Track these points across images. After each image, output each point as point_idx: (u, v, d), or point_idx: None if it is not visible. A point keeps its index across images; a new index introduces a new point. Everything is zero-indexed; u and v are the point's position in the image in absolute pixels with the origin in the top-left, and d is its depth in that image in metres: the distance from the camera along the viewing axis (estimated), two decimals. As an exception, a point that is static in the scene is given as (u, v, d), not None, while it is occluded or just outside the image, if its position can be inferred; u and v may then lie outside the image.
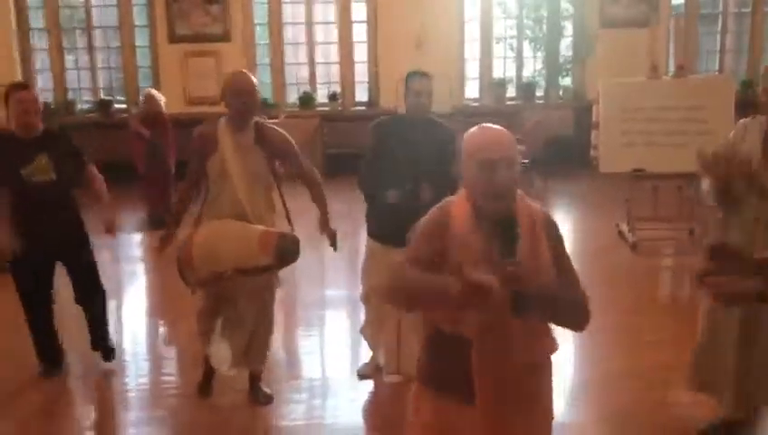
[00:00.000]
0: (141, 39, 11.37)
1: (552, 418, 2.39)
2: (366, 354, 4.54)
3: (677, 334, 4.74)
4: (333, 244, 4.09)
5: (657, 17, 10.76)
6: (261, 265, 3.70)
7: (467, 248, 2.13)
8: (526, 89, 11.54)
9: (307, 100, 11.42)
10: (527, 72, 11.73)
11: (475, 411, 2.16)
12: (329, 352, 5.12)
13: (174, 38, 11.03)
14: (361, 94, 11.61)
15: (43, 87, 11.19)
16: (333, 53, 11.63)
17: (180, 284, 4.00)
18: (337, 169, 9.55)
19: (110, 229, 4.47)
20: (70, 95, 11.50)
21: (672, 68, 8.67)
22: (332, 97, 11.43)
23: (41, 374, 4.50)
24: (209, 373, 4.19)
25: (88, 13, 11.38)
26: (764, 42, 11.45)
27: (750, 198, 3.12)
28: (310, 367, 4.86)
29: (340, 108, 11.37)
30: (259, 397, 4.14)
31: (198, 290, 4.00)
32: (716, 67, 11.70)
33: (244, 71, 3.94)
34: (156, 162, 8.12)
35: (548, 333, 2.30)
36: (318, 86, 11.62)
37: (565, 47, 11.51)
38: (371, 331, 4.36)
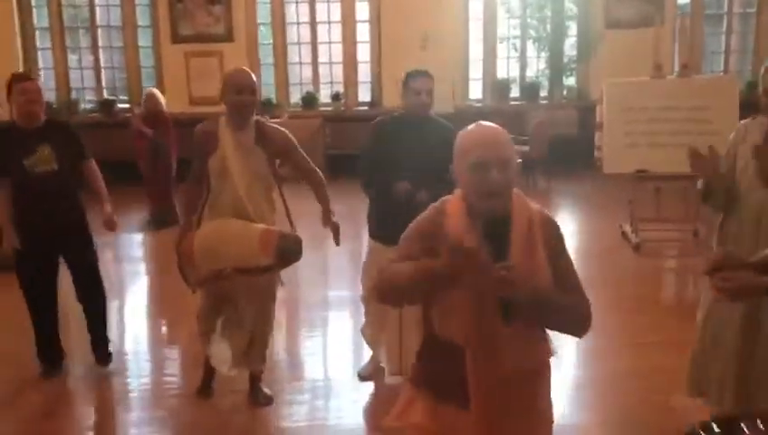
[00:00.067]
0: (144, 39, 11.39)
1: (552, 422, 2.35)
2: (368, 355, 4.53)
3: (681, 336, 4.70)
4: (336, 237, 4.07)
5: (661, 17, 10.73)
6: (262, 264, 3.69)
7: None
8: (530, 89, 11.53)
9: (310, 100, 11.42)
10: (531, 73, 11.71)
11: (469, 416, 2.13)
12: (331, 354, 5.11)
13: (177, 38, 11.05)
14: (364, 94, 11.61)
15: (47, 86, 11.19)
16: (337, 52, 11.62)
17: (182, 284, 3.99)
18: (339, 170, 9.53)
19: (109, 224, 4.42)
20: (73, 95, 11.53)
21: (677, 68, 8.63)
22: (335, 97, 11.42)
23: (41, 375, 4.50)
24: (209, 374, 4.18)
25: (91, 12, 11.41)
26: (769, 42, 11.42)
27: (748, 199, 3.10)
28: (312, 368, 4.85)
29: (343, 108, 11.36)
30: (259, 398, 4.13)
31: (198, 289, 3.99)
32: (721, 68, 11.67)
33: (243, 68, 3.92)
34: (158, 162, 8.13)
35: (544, 338, 2.24)
36: (321, 86, 11.62)
37: (569, 47, 11.49)
38: (371, 331, 4.34)
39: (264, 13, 11.40)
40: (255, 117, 3.89)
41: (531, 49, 11.55)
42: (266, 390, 4.19)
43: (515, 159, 2.15)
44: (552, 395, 2.36)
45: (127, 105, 11.23)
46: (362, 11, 11.36)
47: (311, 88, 11.58)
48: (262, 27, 11.50)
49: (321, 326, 5.54)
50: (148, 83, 11.06)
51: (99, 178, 4.46)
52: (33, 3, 11.24)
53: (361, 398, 4.27)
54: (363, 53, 11.49)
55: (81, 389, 4.52)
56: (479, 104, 11.53)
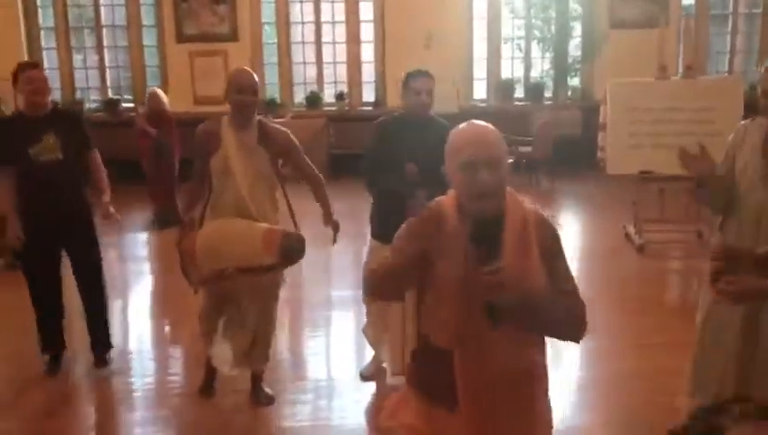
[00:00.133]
0: (149, 38, 11.41)
1: (551, 425, 2.31)
2: (370, 355, 4.53)
3: (685, 337, 4.68)
4: (335, 236, 4.09)
5: (666, 18, 10.70)
6: (265, 264, 3.69)
7: (451, 250, 2.06)
8: (534, 89, 11.51)
9: (314, 99, 11.42)
10: (535, 73, 11.70)
11: (458, 419, 2.11)
12: (334, 353, 5.10)
13: (182, 38, 11.06)
14: (368, 94, 11.60)
15: (52, 86, 11.21)
16: (341, 52, 11.62)
17: (185, 283, 4.00)
18: (342, 170, 9.54)
19: (106, 215, 4.39)
20: (78, 94, 11.55)
21: (682, 69, 8.61)
22: (339, 97, 11.43)
23: (45, 372, 4.51)
24: (211, 374, 4.18)
25: (96, 12, 11.43)
26: (775, 43, 11.39)
27: (747, 199, 3.10)
28: (315, 368, 4.84)
29: (346, 108, 11.37)
30: (261, 397, 4.13)
31: (201, 289, 4.00)
32: (726, 68, 11.65)
33: (245, 68, 3.94)
34: (161, 161, 8.15)
35: (536, 340, 2.19)
36: (325, 86, 11.63)
37: (574, 47, 11.48)
38: (373, 331, 4.34)
39: (268, 12, 11.42)
40: (258, 117, 3.90)
41: (535, 49, 11.54)
42: (268, 389, 4.19)
43: (507, 159, 2.10)
44: (553, 397, 2.33)
45: (131, 104, 11.26)
46: (366, 10, 11.36)
47: (315, 87, 11.59)
48: (266, 27, 11.51)
49: (324, 326, 5.54)
50: (152, 83, 11.08)
51: (101, 170, 4.47)
52: (38, 3, 11.26)
53: (365, 398, 4.27)
54: (367, 52, 11.49)
55: (84, 388, 4.53)
56: (483, 104, 11.52)
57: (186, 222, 4.04)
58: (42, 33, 11.40)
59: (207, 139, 3.83)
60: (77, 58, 11.75)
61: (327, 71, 11.65)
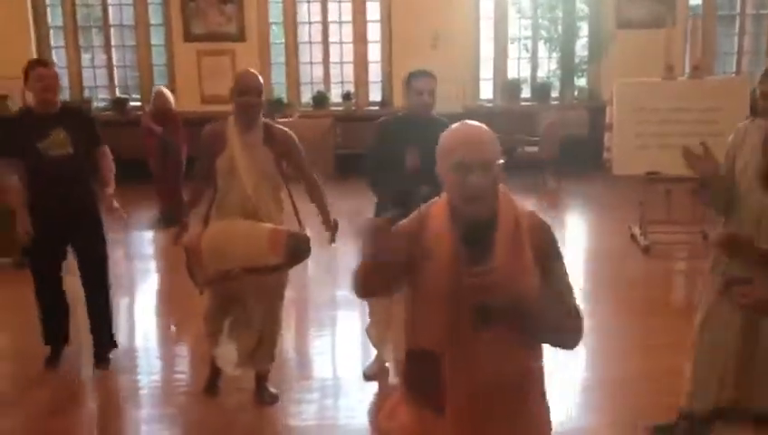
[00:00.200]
0: (157, 38, 11.43)
1: (550, 429, 2.26)
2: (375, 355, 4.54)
3: (691, 338, 4.71)
4: (333, 236, 4.09)
5: (673, 18, 10.68)
6: (271, 263, 3.71)
7: (440, 252, 2.04)
8: (541, 89, 11.50)
9: (321, 99, 11.44)
10: (542, 73, 11.69)
11: (447, 423, 2.07)
12: (340, 353, 5.12)
13: (189, 37, 11.09)
14: (375, 94, 11.61)
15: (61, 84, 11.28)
16: (348, 52, 11.63)
17: (191, 281, 4.01)
18: (349, 170, 9.55)
19: (109, 209, 4.41)
20: (86, 93, 11.59)
21: (689, 69, 8.59)
22: (346, 97, 11.44)
23: (45, 364, 4.53)
24: (216, 373, 4.20)
25: (104, 11, 11.46)
26: (783, 44, 11.36)
27: (747, 200, 3.11)
28: (321, 367, 4.86)
29: (353, 108, 11.38)
30: (265, 397, 4.15)
31: (206, 290, 4.01)
32: (734, 69, 11.61)
33: (251, 70, 3.95)
34: (167, 159, 8.17)
35: (529, 346, 2.12)
36: (332, 85, 11.64)
37: (580, 47, 11.46)
38: (377, 331, 4.35)
39: (275, 12, 11.43)
40: (263, 118, 3.92)
41: (542, 49, 11.52)
42: (272, 389, 4.20)
43: (499, 160, 2.05)
44: (559, 398, 2.32)
45: (139, 103, 11.29)
46: (373, 10, 11.36)
47: (321, 87, 11.60)
48: (273, 27, 11.52)
49: (329, 325, 5.55)
50: (160, 82, 11.10)
51: (109, 164, 4.49)
52: (47, 2, 11.30)
53: (370, 398, 4.28)
54: (374, 52, 11.50)
55: (89, 385, 4.55)
56: (490, 104, 11.52)
57: (183, 222, 4.08)
58: (50, 32, 11.44)
59: (214, 139, 3.86)
60: (85, 57, 11.78)
61: (334, 70, 11.67)
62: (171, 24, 11.12)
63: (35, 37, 11.21)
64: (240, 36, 11.05)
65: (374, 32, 11.43)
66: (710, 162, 3.13)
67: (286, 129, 4.03)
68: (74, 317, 4.70)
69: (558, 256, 2.12)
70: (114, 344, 4.69)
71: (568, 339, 2.13)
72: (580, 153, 10.16)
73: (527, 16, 11.56)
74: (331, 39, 11.55)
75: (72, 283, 4.61)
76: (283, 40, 11.52)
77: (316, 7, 11.47)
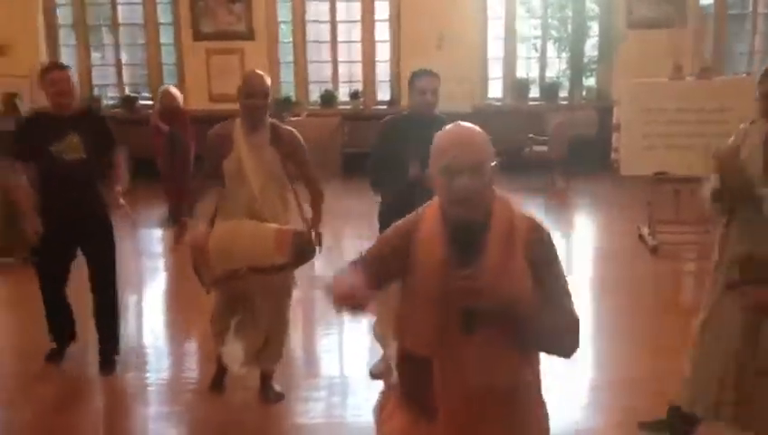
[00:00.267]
0: (166, 36, 11.48)
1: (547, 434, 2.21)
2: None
3: (692, 338, 4.70)
4: (319, 244, 4.04)
5: (684, 18, 10.64)
6: (277, 263, 3.72)
7: (429, 254, 2.02)
8: (549, 89, 11.49)
9: (329, 98, 11.46)
10: (551, 73, 11.67)
11: (439, 429, 2.06)
12: (347, 351, 5.13)
13: (198, 36, 11.13)
14: (383, 93, 11.62)
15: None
16: (356, 51, 11.65)
17: (198, 281, 4.03)
18: (356, 169, 9.55)
19: (116, 204, 4.43)
20: (95, 91, 11.64)
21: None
22: (354, 96, 11.45)
23: (46, 359, 4.56)
24: (222, 370, 4.21)
25: (114, 10, 11.51)
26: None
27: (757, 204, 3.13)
28: (328, 365, 4.87)
29: (361, 107, 11.39)
30: (270, 395, 4.15)
31: (213, 290, 4.03)
32: (745, 68, 11.54)
33: (258, 71, 3.95)
34: (175, 158, 8.20)
35: (523, 353, 2.06)
36: (340, 85, 11.66)
37: (590, 47, 11.43)
38: (382, 329, 4.36)
39: (284, 11, 11.46)
40: (270, 119, 3.93)
41: (551, 49, 11.50)
42: (277, 387, 4.21)
43: (491, 163, 2.01)
44: (566, 398, 2.32)
45: (149, 102, 11.34)
46: (382, 10, 11.37)
47: (330, 86, 11.62)
48: (282, 25, 11.55)
49: (336, 324, 5.55)
50: (169, 80, 11.14)
51: (122, 168, 4.51)
52: (57, 1, 11.36)
53: (377, 396, 4.28)
54: (383, 51, 11.51)
55: (97, 383, 4.54)
56: (498, 103, 11.51)
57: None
58: (60, 30, 11.49)
59: (220, 142, 3.87)
60: (95, 55, 11.84)
61: (342, 70, 11.68)
62: (180, 22, 11.15)
63: (45, 36, 11.27)
64: (249, 35, 11.08)
65: (383, 31, 11.43)
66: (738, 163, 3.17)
67: (293, 129, 4.04)
68: (82, 315, 4.72)
69: (555, 262, 2.06)
70: (116, 351, 4.65)
71: (564, 346, 2.08)
72: (588, 153, 10.14)
73: (537, 16, 11.55)
74: (339, 38, 11.57)
75: (81, 282, 4.62)
76: (292, 39, 11.54)
77: (325, 6, 11.48)
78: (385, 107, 11.28)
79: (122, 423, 4.17)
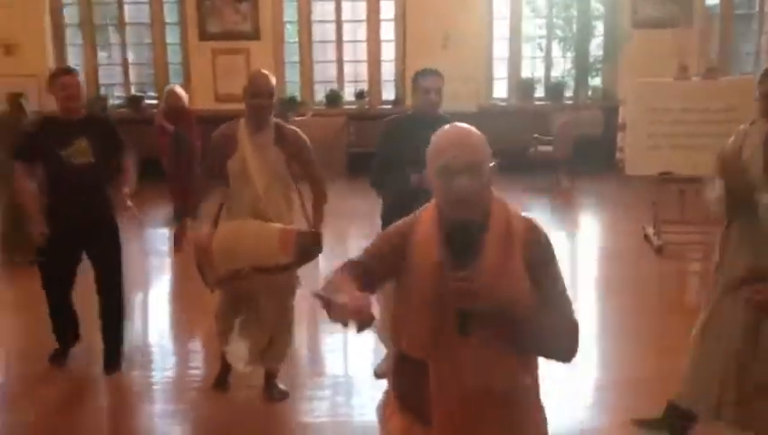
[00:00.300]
0: (172, 36, 11.51)
1: None
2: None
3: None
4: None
5: (690, 17, 10.62)
6: (281, 263, 3.73)
7: (425, 256, 2.01)
8: (554, 89, 11.48)
9: (334, 98, 11.47)
10: (556, 73, 11.66)
11: (435, 432, 2.03)
12: (352, 350, 5.14)
13: (204, 35, 11.15)
14: (389, 93, 11.63)
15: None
16: (361, 51, 11.66)
17: (202, 281, 4.04)
18: (361, 168, 9.55)
19: (123, 206, 4.42)
20: (102, 91, 11.68)
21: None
22: (359, 95, 11.46)
23: (49, 360, 4.58)
24: (226, 369, 4.22)
25: (120, 9, 11.55)
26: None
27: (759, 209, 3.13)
28: (333, 364, 4.89)
29: (366, 106, 11.40)
30: (274, 393, 4.16)
31: (217, 289, 4.04)
32: (752, 68, 11.50)
33: (263, 71, 3.96)
34: (180, 157, 8.22)
35: (519, 355, 2.02)
36: (345, 84, 11.67)
37: (595, 47, 11.42)
38: (386, 329, 4.37)
39: (290, 11, 11.48)
40: (275, 119, 3.95)
41: (556, 49, 11.49)
42: (281, 385, 4.22)
43: (489, 163, 1.99)
44: (572, 398, 2.30)
45: (155, 101, 11.37)
46: (387, 9, 11.38)
47: (335, 86, 11.64)
48: (288, 25, 11.57)
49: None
50: (175, 80, 11.17)
51: (130, 172, 4.52)
52: (63, 1, 11.40)
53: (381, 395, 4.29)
54: (388, 51, 11.52)
55: (102, 381, 4.55)
56: (503, 103, 11.51)
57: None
58: (67, 30, 11.53)
59: (225, 142, 3.88)
60: (101, 55, 11.88)
61: (347, 69, 11.69)
62: (187, 22, 11.19)
63: (52, 35, 11.31)
64: (255, 35, 11.10)
65: (388, 31, 11.44)
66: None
67: (297, 129, 4.05)
68: (87, 315, 4.74)
69: (552, 263, 2.04)
70: (121, 351, 4.64)
71: (562, 351, 2.05)
72: (594, 153, 10.14)
73: (542, 15, 11.54)
74: (344, 38, 11.58)
75: (87, 283, 4.64)
76: (298, 39, 11.56)
77: (330, 6, 11.50)
78: (390, 107, 11.29)
79: (127, 421, 4.19)
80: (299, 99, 11.33)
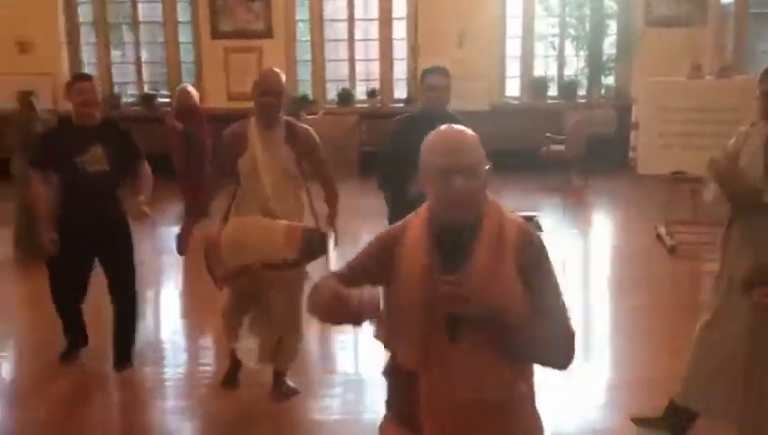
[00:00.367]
0: (185, 35, 11.56)
1: None
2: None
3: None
4: (336, 240, 4.06)
5: (704, 16, 10.54)
6: (288, 259, 3.73)
7: (413, 262, 1.97)
8: (567, 88, 11.44)
9: (346, 96, 11.47)
10: (569, 71, 11.62)
11: None
12: (363, 348, 5.13)
13: (217, 34, 11.19)
14: (401, 91, 11.62)
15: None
16: (373, 49, 11.66)
17: (210, 277, 4.04)
18: (373, 167, 9.56)
19: (138, 214, 4.36)
20: (116, 89, 11.74)
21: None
22: (371, 94, 11.46)
23: (60, 358, 4.60)
24: (235, 365, 4.23)
25: (134, 8, 11.61)
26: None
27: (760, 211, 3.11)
28: (344, 362, 4.89)
29: (378, 105, 11.39)
30: (283, 389, 4.16)
31: (225, 286, 4.04)
32: None
33: (274, 69, 3.96)
34: (191, 156, 8.23)
35: (512, 361, 1.97)
36: (357, 83, 11.67)
37: (608, 45, 11.37)
38: None
39: (302, 9, 11.50)
40: (286, 117, 3.95)
41: (569, 47, 11.45)
42: (290, 382, 4.21)
43: (484, 165, 1.96)
44: (584, 398, 2.28)
45: (167, 99, 11.42)
46: (399, 8, 11.37)
47: (347, 85, 11.64)
48: (300, 24, 11.59)
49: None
50: (188, 78, 11.22)
51: (147, 181, 4.46)
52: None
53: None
54: (400, 50, 11.51)
55: (113, 377, 4.56)
56: (516, 102, 11.47)
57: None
58: (81, 28, 11.60)
59: (236, 141, 3.89)
60: (115, 53, 11.95)
61: (359, 68, 11.70)
62: (199, 21, 11.23)
63: (66, 34, 11.38)
64: (267, 33, 11.13)
65: (400, 29, 11.43)
66: (735, 176, 3.15)
67: (309, 128, 4.05)
68: (101, 312, 4.76)
69: (547, 271, 1.99)
70: (132, 352, 4.63)
71: (557, 359, 2.00)
72: (606, 152, 10.09)
73: (555, 14, 11.50)
74: (356, 36, 11.58)
75: (99, 281, 4.65)
76: (310, 37, 11.57)
77: (342, 4, 11.50)
78: (402, 105, 11.29)
79: (138, 417, 4.20)
80: (311, 97, 11.34)
